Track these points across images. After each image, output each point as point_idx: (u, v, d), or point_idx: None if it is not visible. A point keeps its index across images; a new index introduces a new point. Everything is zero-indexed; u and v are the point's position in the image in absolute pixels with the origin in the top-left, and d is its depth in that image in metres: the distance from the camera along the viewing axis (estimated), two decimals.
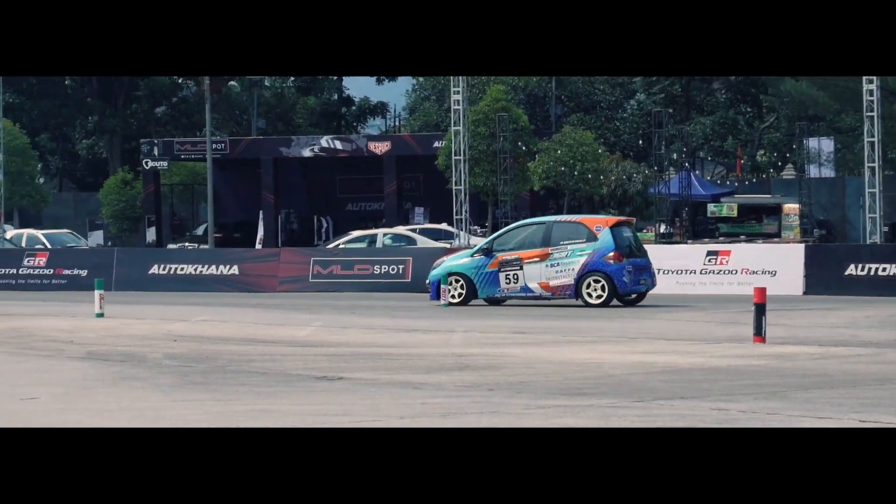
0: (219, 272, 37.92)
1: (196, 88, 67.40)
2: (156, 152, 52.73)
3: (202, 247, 47.21)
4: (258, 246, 47.71)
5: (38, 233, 49.28)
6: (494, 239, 30.52)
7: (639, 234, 33.69)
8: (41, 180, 69.43)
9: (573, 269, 28.83)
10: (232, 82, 65.71)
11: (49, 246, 45.47)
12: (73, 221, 60.84)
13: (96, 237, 57.24)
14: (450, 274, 30.06)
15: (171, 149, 53.35)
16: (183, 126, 70.01)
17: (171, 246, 49.28)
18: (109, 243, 55.16)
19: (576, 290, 28.82)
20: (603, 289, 28.61)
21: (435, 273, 30.65)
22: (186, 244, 49.58)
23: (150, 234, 52.80)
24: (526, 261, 29.20)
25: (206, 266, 38.23)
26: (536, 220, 32.13)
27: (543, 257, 29.11)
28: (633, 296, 29.46)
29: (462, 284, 29.79)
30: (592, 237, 28.99)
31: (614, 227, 29.21)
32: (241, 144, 54.23)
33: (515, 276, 29.26)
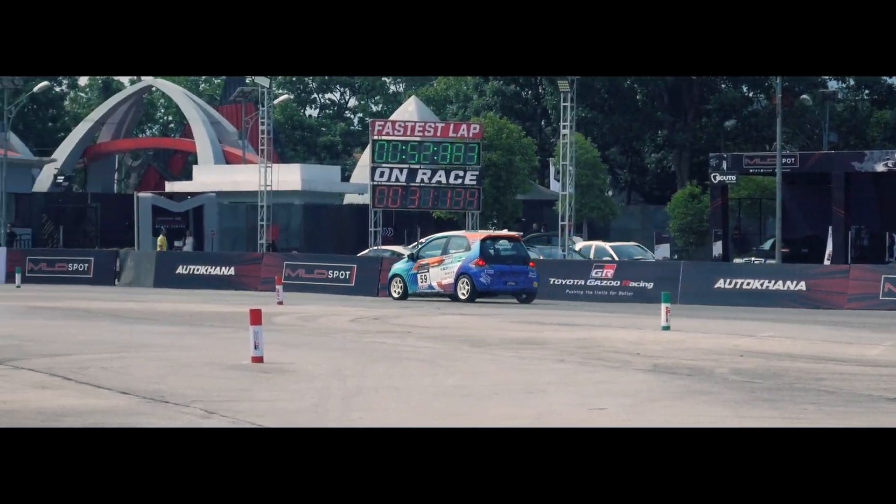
0: (785, 287, 37.31)
1: (767, 102, 66.80)
2: (724, 166, 52.51)
3: (768, 262, 46.64)
4: (826, 262, 46.63)
5: (606, 245, 50.17)
6: (420, 248, 38.64)
7: None
8: (610, 193, 70.82)
9: (453, 272, 36.56)
10: (804, 96, 64.65)
11: (616, 258, 46.19)
12: (641, 234, 61.62)
13: (662, 250, 57.72)
14: (395, 275, 38.08)
15: (740, 163, 52.99)
16: (752, 140, 69.56)
17: (737, 260, 48.97)
18: (675, 256, 55.49)
19: (455, 287, 36.37)
20: (467, 287, 36.11)
21: (390, 274, 38.58)
22: (753, 258, 49.11)
23: (717, 249, 52.64)
24: (431, 265, 37.09)
25: (773, 281, 37.70)
26: (443, 234, 39.85)
27: (440, 262, 36.94)
28: (524, 295, 36.86)
29: (400, 283, 37.63)
30: (469, 247, 36.75)
31: (484, 240, 37.09)
32: (812, 159, 53.15)
33: (426, 277, 37.06)
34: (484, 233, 39.28)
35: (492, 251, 36.79)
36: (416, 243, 51.03)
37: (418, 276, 37.37)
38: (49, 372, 16.39)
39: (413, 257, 37.99)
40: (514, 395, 14.50)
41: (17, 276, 45.99)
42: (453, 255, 36.97)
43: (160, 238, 56.17)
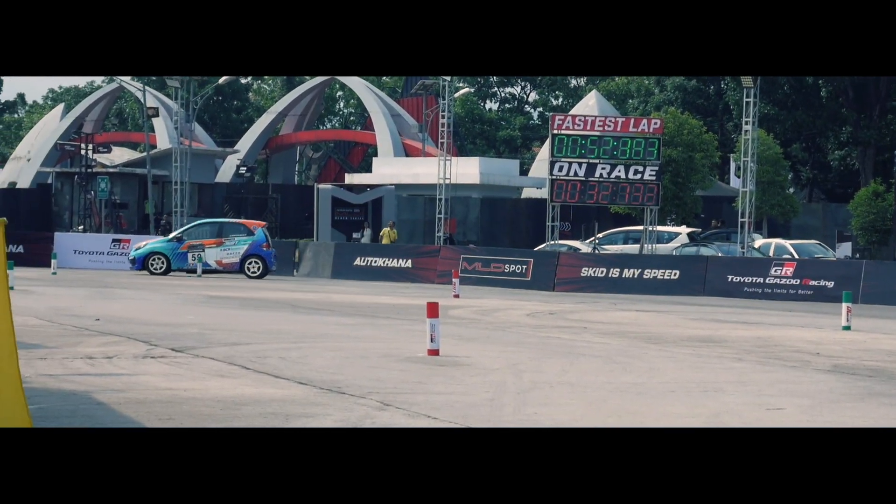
0: None
1: None
2: None
3: None
4: None
5: (786, 242, 49.41)
6: (183, 231, 45.49)
7: None
8: (791, 190, 69.70)
9: (239, 253, 44.45)
10: None
11: (796, 256, 45.47)
12: (822, 232, 60.59)
13: (844, 249, 56.68)
14: (152, 253, 44.67)
15: None
16: None
17: None
18: (857, 255, 54.43)
19: (240, 266, 44.40)
20: (258, 267, 44.28)
21: (140, 252, 44.97)
22: None
23: None
24: (207, 246, 44.46)
25: None
26: (212, 220, 48.32)
27: (219, 244, 44.51)
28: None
29: (162, 260, 44.47)
30: (251, 233, 44.77)
31: (263, 228, 45.43)
32: None
33: (199, 256, 44.31)
34: (261, 222, 48.17)
35: (267, 238, 45.09)
36: (593, 238, 50.86)
37: (189, 254, 44.46)
38: (228, 361, 16.67)
39: (179, 239, 44.79)
40: (691, 393, 14.35)
41: (199, 266, 46.89)
42: (235, 238, 44.64)
43: (384, 230, 55.16)
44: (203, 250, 44.50)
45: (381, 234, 55.70)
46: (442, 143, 52.47)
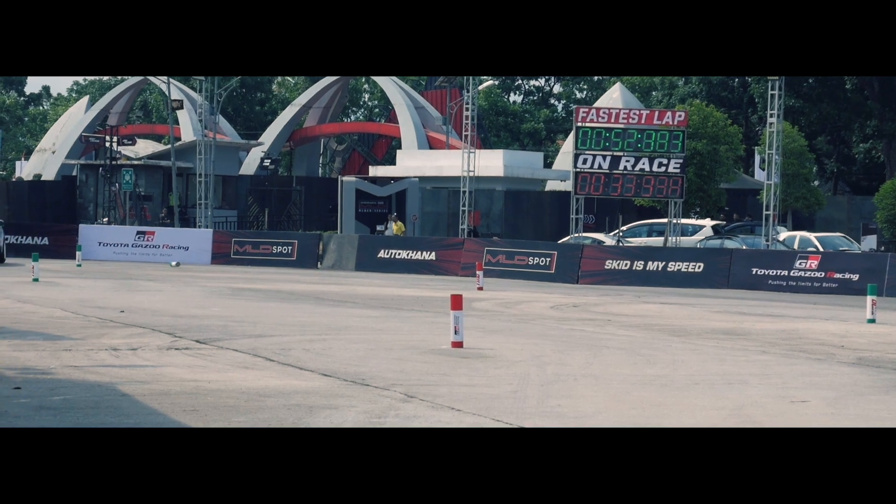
0: None
1: None
2: None
3: None
4: None
5: (811, 235, 49.24)
6: None
7: None
8: (816, 183, 69.47)
9: None
10: None
11: (821, 249, 45.32)
12: (847, 225, 60.39)
13: (869, 241, 56.44)
14: None
15: None
16: None
17: None
18: (882, 248, 54.23)
19: None
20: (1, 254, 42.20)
21: None
22: None
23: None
24: None
25: None
26: None
27: None
28: None
29: None
30: None
31: None
32: None
33: None
34: None
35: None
36: (617, 231, 50.82)
37: None
38: (253, 353, 16.71)
39: None
40: (715, 385, 14.33)
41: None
42: None
43: (394, 225, 55.20)
44: None
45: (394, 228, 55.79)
46: (466, 136, 52.43)
